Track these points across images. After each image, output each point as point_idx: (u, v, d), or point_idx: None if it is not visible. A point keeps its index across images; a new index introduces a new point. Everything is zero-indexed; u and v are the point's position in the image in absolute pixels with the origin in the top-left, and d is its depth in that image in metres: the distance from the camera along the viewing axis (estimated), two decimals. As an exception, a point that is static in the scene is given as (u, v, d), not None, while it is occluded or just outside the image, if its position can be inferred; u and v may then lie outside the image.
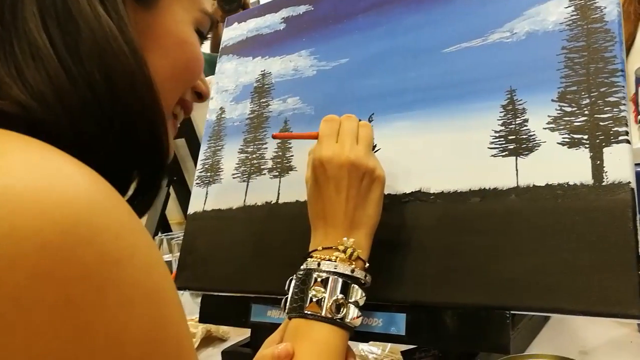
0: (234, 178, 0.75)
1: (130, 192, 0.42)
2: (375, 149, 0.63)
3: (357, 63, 0.68)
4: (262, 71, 0.78)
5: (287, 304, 0.49)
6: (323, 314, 0.46)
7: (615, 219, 0.46)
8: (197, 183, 0.79)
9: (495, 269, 0.50)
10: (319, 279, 0.48)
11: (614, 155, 0.48)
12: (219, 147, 0.79)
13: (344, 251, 0.49)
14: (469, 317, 0.51)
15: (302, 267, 0.50)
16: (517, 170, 0.52)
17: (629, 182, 0.46)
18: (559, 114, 0.52)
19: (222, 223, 0.74)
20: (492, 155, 0.54)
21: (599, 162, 0.48)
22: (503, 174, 0.53)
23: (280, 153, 0.72)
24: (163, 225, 1.37)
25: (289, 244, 0.66)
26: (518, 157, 0.53)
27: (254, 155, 0.74)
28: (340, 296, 0.47)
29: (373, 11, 0.69)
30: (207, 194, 0.78)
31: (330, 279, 0.48)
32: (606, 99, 0.49)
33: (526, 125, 0.53)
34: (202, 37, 0.49)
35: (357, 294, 0.48)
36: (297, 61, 0.75)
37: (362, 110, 0.65)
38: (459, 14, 0.61)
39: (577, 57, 0.52)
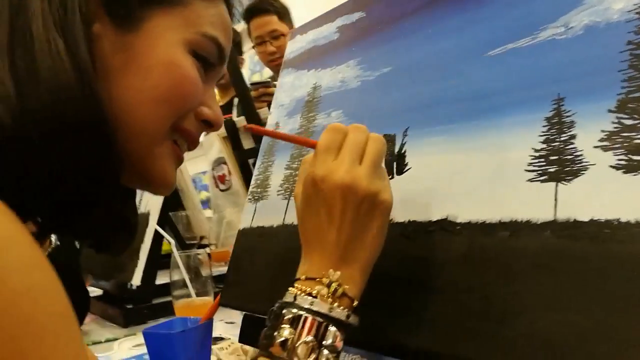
0: (278, 195, 0.73)
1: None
2: (406, 167, 0.55)
3: (398, 72, 0.61)
4: (314, 84, 0.75)
5: (260, 338, 0.44)
6: (287, 357, 0.41)
7: (678, 274, 0.33)
8: (248, 199, 0.78)
9: (521, 325, 0.40)
10: (287, 316, 0.42)
11: (684, 185, 0.35)
12: (270, 163, 0.77)
13: (328, 285, 0.43)
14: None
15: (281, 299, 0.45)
16: (556, 199, 0.41)
17: (703, 224, 0.33)
18: (616, 128, 0.39)
19: (264, 241, 0.72)
20: (528, 180, 0.44)
21: (662, 193, 0.35)
22: (539, 203, 0.42)
23: (320, 170, 0.68)
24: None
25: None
26: (559, 183, 0.41)
27: (298, 172, 0.71)
28: (310, 339, 0.41)
29: (419, 14, 0.61)
30: (255, 210, 0.76)
31: (302, 318, 0.42)
32: (680, 108, 0.36)
33: (573, 143, 0.42)
34: (205, 62, 0.47)
35: (335, 337, 0.42)
36: (344, 72, 0.70)
37: (397, 123, 0.58)
38: (507, 10, 0.51)
39: (645, 53, 0.39)
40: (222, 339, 0.90)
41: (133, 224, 0.51)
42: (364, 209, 0.44)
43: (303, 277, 0.45)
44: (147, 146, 0.44)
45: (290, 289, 0.45)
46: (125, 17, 0.43)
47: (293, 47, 0.84)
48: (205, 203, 3.06)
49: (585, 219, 0.39)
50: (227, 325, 1.06)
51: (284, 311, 0.43)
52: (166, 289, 1.25)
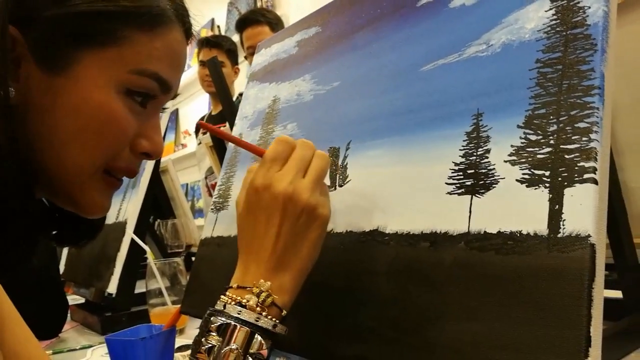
0: (237, 205, 0.74)
1: None
2: (347, 179, 0.57)
3: (346, 86, 0.63)
4: (274, 97, 0.77)
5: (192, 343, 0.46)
6: None
7: (566, 284, 0.35)
8: (211, 209, 0.80)
9: (432, 335, 0.41)
10: (214, 324, 0.43)
11: (575, 199, 0.36)
12: (232, 174, 0.79)
13: (258, 295, 0.44)
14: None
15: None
16: (470, 212, 0.43)
17: (589, 236, 0.34)
18: (523, 143, 0.41)
19: (222, 250, 0.73)
20: (447, 193, 0.45)
21: (557, 206, 0.37)
22: (456, 215, 0.44)
23: (274, 181, 0.69)
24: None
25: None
26: (474, 196, 0.43)
27: (255, 183, 0.73)
28: (235, 347, 0.42)
29: (367, 29, 0.63)
30: (216, 219, 0.78)
31: (229, 326, 0.43)
32: (575, 125, 0.38)
33: (487, 157, 0.43)
34: (145, 96, 0.48)
35: (260, 346, 0.43)
36: (300, 86, 0.72)
37: (342, 136, 0.60)
38: (442, 26, 0.53)
39: (550, 71, 0.41)
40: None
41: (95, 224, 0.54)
42: (302, 220, 0.46)
43: (235, 285, 0.46)
44: (73, 180, 0.46)
45: (222, 297, 0.46)
46: (52, 60, 0.44)
47: (258, 60, 0.86)
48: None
49: (494, 231, 0.40)
50: (203, 332, 1.07)
51: (212, 319, 0.44)
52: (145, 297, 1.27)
